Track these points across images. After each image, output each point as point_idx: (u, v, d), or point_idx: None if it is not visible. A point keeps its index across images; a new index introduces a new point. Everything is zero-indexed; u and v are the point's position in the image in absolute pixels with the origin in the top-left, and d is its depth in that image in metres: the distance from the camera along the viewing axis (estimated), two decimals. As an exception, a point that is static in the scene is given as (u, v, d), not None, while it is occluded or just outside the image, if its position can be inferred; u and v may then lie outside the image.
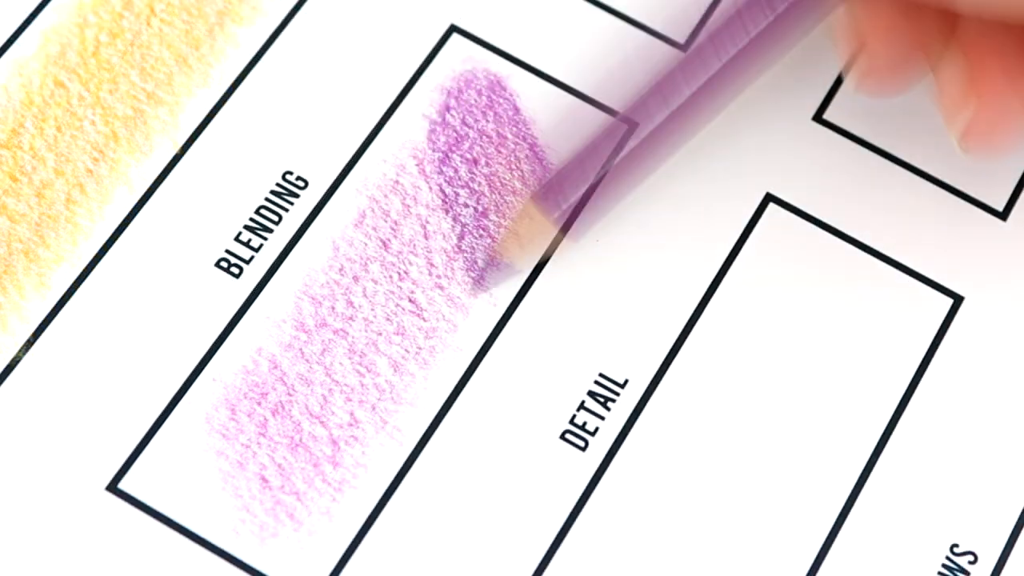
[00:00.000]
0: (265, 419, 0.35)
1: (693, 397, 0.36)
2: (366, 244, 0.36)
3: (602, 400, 0.35)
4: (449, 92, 0.38)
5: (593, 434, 0.35)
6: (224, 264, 0.36)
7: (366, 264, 0.36)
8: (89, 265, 0.36)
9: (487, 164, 0.37)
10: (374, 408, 0.35)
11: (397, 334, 0.36)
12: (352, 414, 0.35)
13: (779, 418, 0.36)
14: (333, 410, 0.35)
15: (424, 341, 0.36)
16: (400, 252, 0.36)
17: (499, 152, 0.37)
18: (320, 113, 0.38)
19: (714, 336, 0.36)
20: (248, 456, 0.34)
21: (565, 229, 0.36)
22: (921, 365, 0.36)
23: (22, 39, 0.38)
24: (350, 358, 0.35)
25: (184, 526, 0.34)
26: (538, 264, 0.37)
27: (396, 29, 0.39)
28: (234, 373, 0.35)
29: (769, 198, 0.38)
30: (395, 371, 0.35)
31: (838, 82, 0.39)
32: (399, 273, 0.36)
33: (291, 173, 0.37)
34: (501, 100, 0.38)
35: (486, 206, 0.37)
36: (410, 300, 0.36)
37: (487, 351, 0.36)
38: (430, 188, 0.37)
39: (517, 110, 0.38)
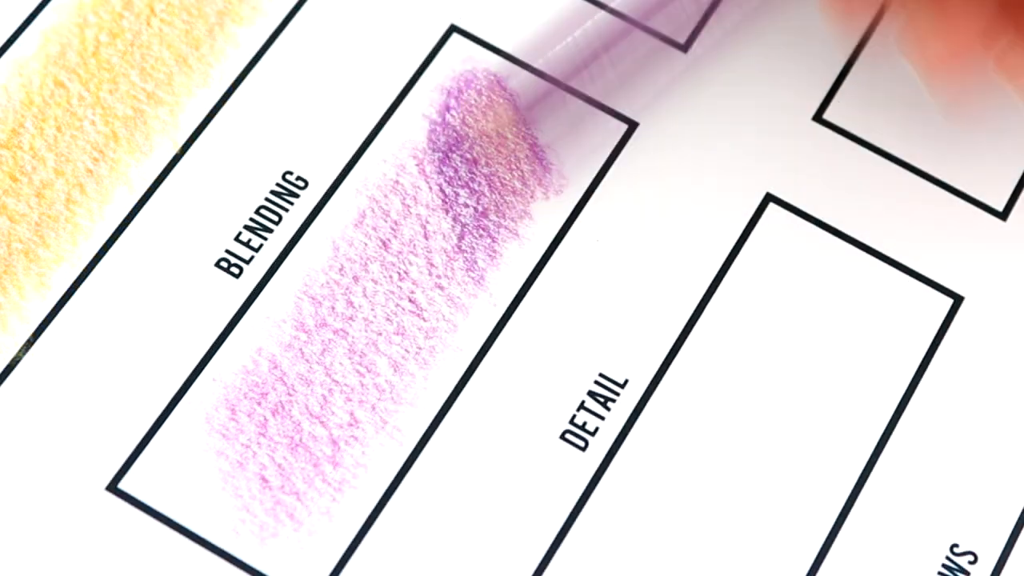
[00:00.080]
0: (265, 419, 0.35)
1: (693, 397, 0.36)
2: (366, 244, 0.36)
3: (602, 400, 0.35)
4: (449, 92, 0.38)
5: (593, 434, 0.35)
6: (224, 264, 0.36)
7: (366, 264, 0.36)
8: (89, 265, 0.36)
9: (487, 164, 0.37)
10: (374, 408, 0.35)
11: (397, 334, 0.36)
12: (352, 414, 0.35)
13: (779, 418, 0.36)
14: (333, 410, 0.35)
15: (424, 341, 0.36)
16: (400, 252, 0.36)
17: (499, 152, 0.37)
18: (320, 113, 0.38)
19: (714, 336, 0.36)
20: (248, 456, 0.34)
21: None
22: (921, 365, 0.36)
23: (22, 39, 0.38)
24: (350, 358, 0.35)
25: (184, 526, 0.34)
26: (538, 264, 0.37)
27: (396, 29, 0.39)
28: (234, 373, 0.35)
29: (769, 198, 0.38)
30: (395, 371, 0.35)
31: (838, 82, 0.39)
32: (399, 273, 0.36)
33: (291, 173, 0.37)
34: (501, 100, 0.38)
35: (486, 206, 0.37)
36: (410, 300, 0.36)
37: (487, 351, 0.36)
38: (430, 188, 0.37)
39: (517, 110, 0.38)
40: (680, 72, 0.38)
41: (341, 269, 0.36)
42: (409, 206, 0.37)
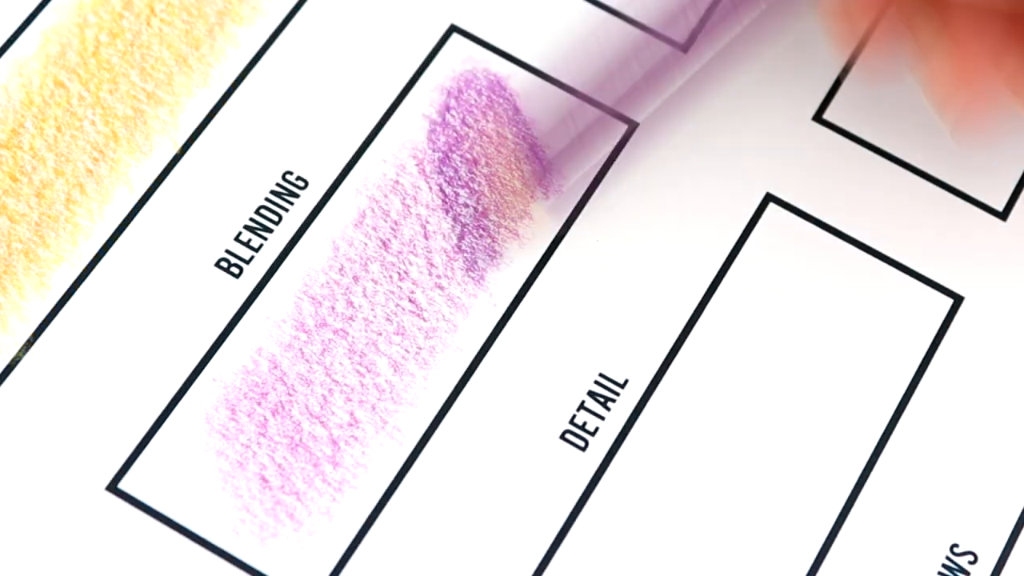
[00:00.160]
0: (265, 419, 0.35)
1: (693, 397, 0.36)
2: (366, 244, 0.36)
3: (602, 400, 0.35)
4: (449, 92, 0.38)
5: (593, 434, 0.35)
6: (224, 264, 0.36)
7: (366, 264, 0.36)
8: (89, 265, 0.36)
9: (487, 164, 0.37)
10: (374, 408, 0.35)
11: (397, 334, 0.36)
12: (352, 414, 0.35)
13: (779, 418, 0.36)
14: (333, 410, 0.35)
15: (424, 341, 0.36)
16: (400, 252, 0.36)
17: (499, 152, 0.37)
18: (320, 113, 0.38)
19: (714, 336, 0.36)
20: (248, 456, 0.34)
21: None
22: (921, 365, 0.36)
23: (22, 39, 0.38)
24: (350, 358, 0.35)
25: (184, 526, 0.34)
26: (538, 264, 0.37)
27: (396, 29, 0.39)
28: (234, 373, 0.35)
29: (769, 198, 0.38)
30: (395, 371, 0.35)
31: (838, 82, 0.39)
32: (399, 273, 0.36)
33: (291, 173, 0.37)
34: (501, 100, 0.38)
35: (486, 206, 0.37)
36: (410, 300, 0.36)
37: (487, 351, 0.36)
38: (430, 188, 0.37)
39: (517, 110, 0.38)
40: (680, 72, 0.38)
41: (341, 269, 0.36)
42: (409, 206, 0.37)
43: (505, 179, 0.37)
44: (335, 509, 0.34)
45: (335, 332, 0.36)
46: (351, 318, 0.36)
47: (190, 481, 0.34)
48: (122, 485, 0.34)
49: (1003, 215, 0.38)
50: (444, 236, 0.37)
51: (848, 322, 0.37)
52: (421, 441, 0.35)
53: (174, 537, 0.34)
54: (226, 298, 0.36)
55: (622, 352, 0.36)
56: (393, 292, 0.36)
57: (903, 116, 0.38)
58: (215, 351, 0.35)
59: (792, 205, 0.38)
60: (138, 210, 0.37)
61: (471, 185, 0.37)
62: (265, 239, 0.36)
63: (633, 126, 0.38)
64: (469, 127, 0.38)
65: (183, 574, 0.33)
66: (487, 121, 0.38)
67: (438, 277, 0.36)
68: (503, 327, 0.36)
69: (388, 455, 0.35)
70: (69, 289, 0.36)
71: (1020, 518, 0.35)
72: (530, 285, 0.36)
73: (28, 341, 0.35)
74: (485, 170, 0.37)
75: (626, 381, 0.36)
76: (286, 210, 0.37)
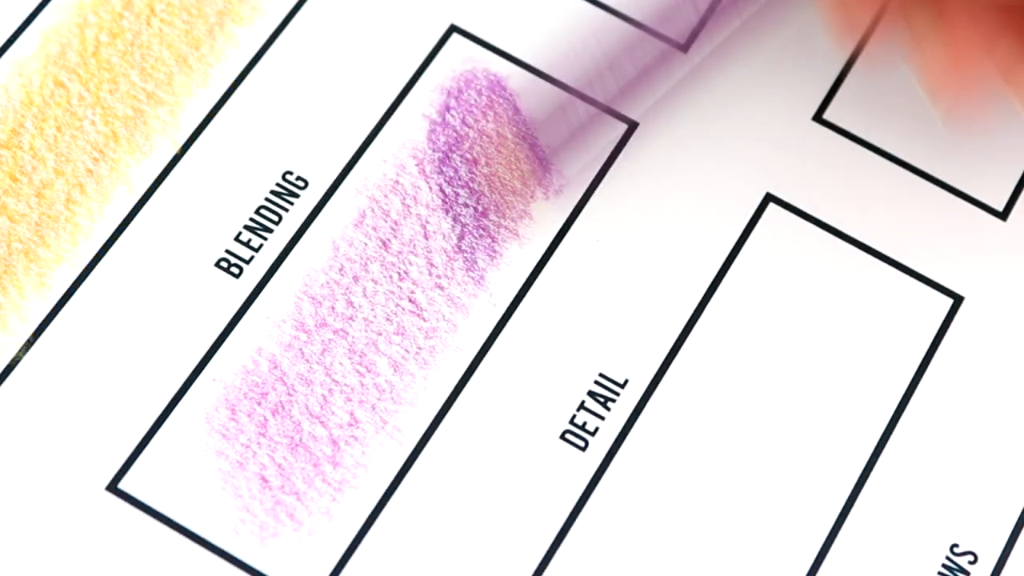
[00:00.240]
0: (265, 419, 0.35)
1: (693, 397, 0.36)
2: (366, 244, 0.36)
3: (602, 400, 0.35)
4: (449, 92, 0.38)
5: (593, 434, 0.35)
6: (224, 264, 0.36)
7: (366, 264, 0.36)
8: (89, 265, 0.36)
9: (487, 164, 0.37)
10: (374, 408, 0.35)
11: (397, 334, 0.36)
12: (352, 414, 0.35)
13: (779, 418, 0.36)
14: (333, 410, 0.35)
15: (424, 341, 0.36)
16: (400, 252, 0.36)
17: (499, 152, 0.37)
18: (320, 113, 0.38)
19: (714, 336, 0.36)
20: (248, 456, 0.34)
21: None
22: (921, 365, 0.36)
23: (22, 39, 0.38)
24: (350, 358, 0.35)
25: (184, 526, 0.34)
26: (538, 264, 0.37)
27: (396, 29, 0.39)
28: (234, 373, 0.35)
29: (769, 198, 0.38)
30: (395, 371, 0.35)
31: (838, 82, 0.39)
32: (399, 273, 0.36)
33: (291, 173, 0.37)
34: (501, 100, 0.38)
35: (486, 206, 0.37)
36: (410, 300, 0.36)
37: (487, 351, 0.36)
38: (430, 188, 0.37)
39: (517, 110, 0.38)
40: (680, 72, 0.38)
41: (341, 269, 0.36)
42: (409, 206, 0.37)
43: (505, 179, 0.37)
44: (335, 509, 0.34)
45: (335, 332, 0.36)
46: (351, 318, 0.36)
47: (190, 481, 0.34)
48: (122, 485, 0.34)
49: (1003, 215, 0.38)
50: (444, 236, 0.37)
51: (848, 322, 0.37)
52: (421, 441, 0.35)
53: (174, 537, 0.34)
54: (226, 298, 0.36)
55: (622, 352, 0.36)
56: (393, 292, 0.36)
57: (903, 116, 0.38)
58: (215, 351, 0.35)
59: (792, 205, 0.38)
60: (138, 210, 0.37)
61: (471, 185, 0.37)
62: (265, 239, 0.36)
63: (633, 126, 0.38)
64: (469, 127, 0.38)
65: (183, 574, 0.33)
66: (487, 121, 0.38)
67: (438, 277, 0.36)
68: (503, 327, 0.36)
69: (388, 455, 0.35)
70: (69, 289, 0.36)
71: (1020, 518, 0.35)
72: (530, 285, 0.36)
73: (28, 341, 0.35)
74: (485, 170, 0.37)
75: (626, 381, 0.36)
76: (286, 210, 0.37)
